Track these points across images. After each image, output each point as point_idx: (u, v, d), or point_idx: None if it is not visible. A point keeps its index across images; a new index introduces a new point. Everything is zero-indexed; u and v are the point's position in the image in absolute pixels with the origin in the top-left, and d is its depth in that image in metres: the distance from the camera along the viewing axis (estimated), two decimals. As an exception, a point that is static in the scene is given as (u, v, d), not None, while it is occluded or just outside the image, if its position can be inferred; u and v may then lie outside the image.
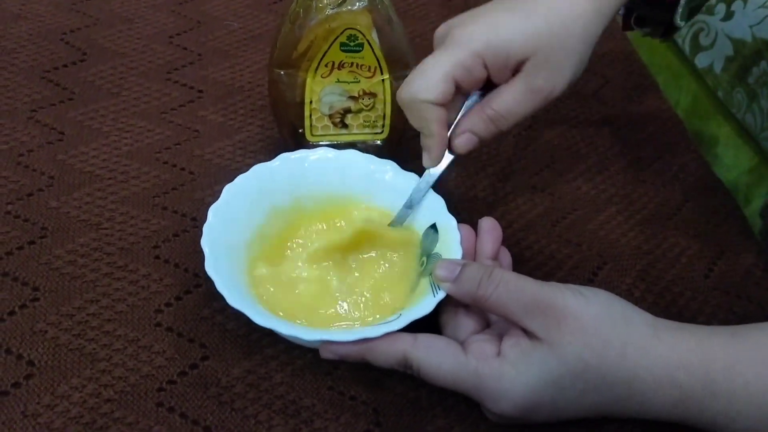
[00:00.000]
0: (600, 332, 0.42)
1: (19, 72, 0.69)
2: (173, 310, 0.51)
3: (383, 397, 0.48)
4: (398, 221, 0.52)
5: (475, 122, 0.51)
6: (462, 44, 0.49)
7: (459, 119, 0.51)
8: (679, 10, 0.56)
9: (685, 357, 0.42)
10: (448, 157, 0.52)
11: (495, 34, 0.49)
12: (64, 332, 0.49)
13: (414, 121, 0.51)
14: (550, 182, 0.66)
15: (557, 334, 0.42)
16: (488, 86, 0.51)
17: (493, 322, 0.47)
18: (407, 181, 0.53)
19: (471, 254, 0.50)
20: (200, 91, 0.70)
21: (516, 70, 0.50)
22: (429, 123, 0.50)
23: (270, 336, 0.49)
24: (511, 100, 0.50)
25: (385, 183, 0.54)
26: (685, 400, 0.42)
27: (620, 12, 0.60)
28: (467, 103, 0.52)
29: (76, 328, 0.49)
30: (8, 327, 0.48)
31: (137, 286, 0.52)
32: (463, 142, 0.51)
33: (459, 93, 0.51)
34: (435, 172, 0.52)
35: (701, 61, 0.86)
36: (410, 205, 0.52)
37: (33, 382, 0.46)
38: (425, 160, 0.52)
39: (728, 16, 0.82)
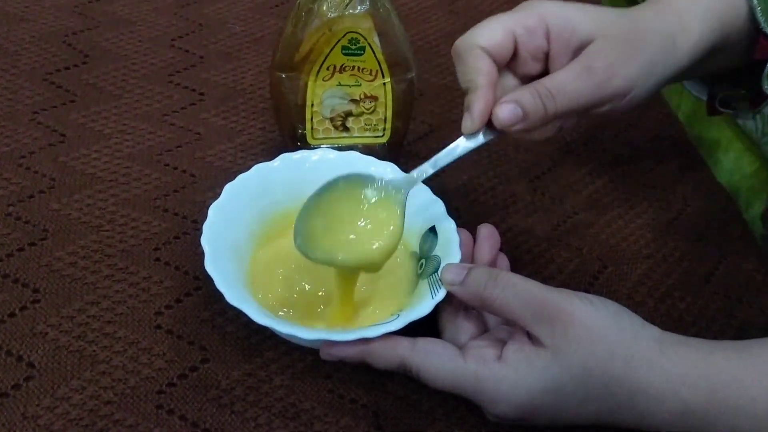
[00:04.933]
0: (606, 342, 0.42)
1: (21, 74, 0.69)
2: (173, 312, 0.51)
3: (384, 400, 0.48)
4: (417, 177, 0.49)
5: (522, 94, 0.47)
6: (529, 8, 0.48)
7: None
8: (766, 75, 0.52)
9: (690, 371, 0.41)
10: (486, 135, 0.48)
11: (566, 9, 0.48)
12: (64, 334, 0.49)
13: (462, 73, 0.48)
14: (551, 186, 0.66)
15: (563, 340, 0.42)
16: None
17: (492, 327, 0.48)
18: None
19: (469, 259, 0.50)
20: (201, 94, 0.70)
21: (576, 55, 0.48)
22: (477, 74, 0.47)
23: (270, 339, 0.49)
24: (564, 77, 0.47)
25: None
26: (688, 414, 0.41)
27: (704, 99, 0.59)
28: None
29: (77, 330, 0.49)
30: (8, 328, 0.48)
31: (137, 289, 0.52)
32: (506, 111, 0.46)
33: (515, 66, 0.49)
34: (468, 144, 0.48)
35: (702, 65, 0.85)
36: (435, 165, 0.48)
37: (33, 383, 0.46)
38: (465, 124, 0.48)
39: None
